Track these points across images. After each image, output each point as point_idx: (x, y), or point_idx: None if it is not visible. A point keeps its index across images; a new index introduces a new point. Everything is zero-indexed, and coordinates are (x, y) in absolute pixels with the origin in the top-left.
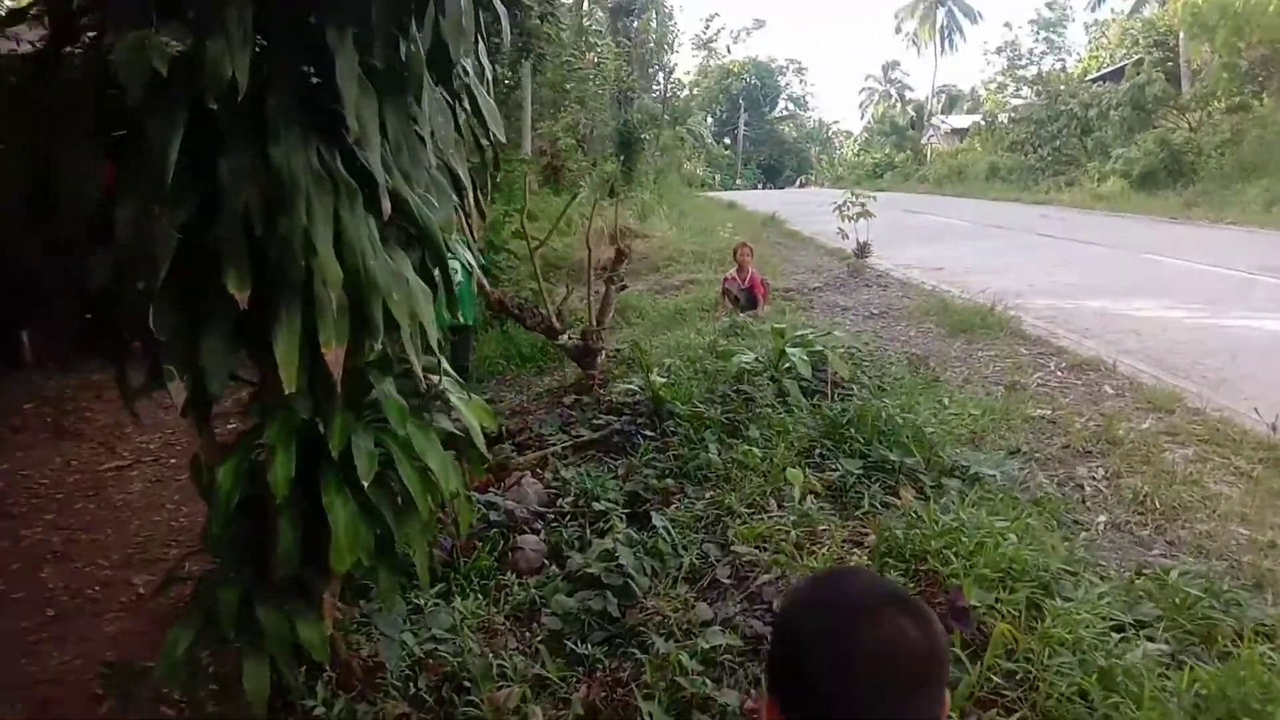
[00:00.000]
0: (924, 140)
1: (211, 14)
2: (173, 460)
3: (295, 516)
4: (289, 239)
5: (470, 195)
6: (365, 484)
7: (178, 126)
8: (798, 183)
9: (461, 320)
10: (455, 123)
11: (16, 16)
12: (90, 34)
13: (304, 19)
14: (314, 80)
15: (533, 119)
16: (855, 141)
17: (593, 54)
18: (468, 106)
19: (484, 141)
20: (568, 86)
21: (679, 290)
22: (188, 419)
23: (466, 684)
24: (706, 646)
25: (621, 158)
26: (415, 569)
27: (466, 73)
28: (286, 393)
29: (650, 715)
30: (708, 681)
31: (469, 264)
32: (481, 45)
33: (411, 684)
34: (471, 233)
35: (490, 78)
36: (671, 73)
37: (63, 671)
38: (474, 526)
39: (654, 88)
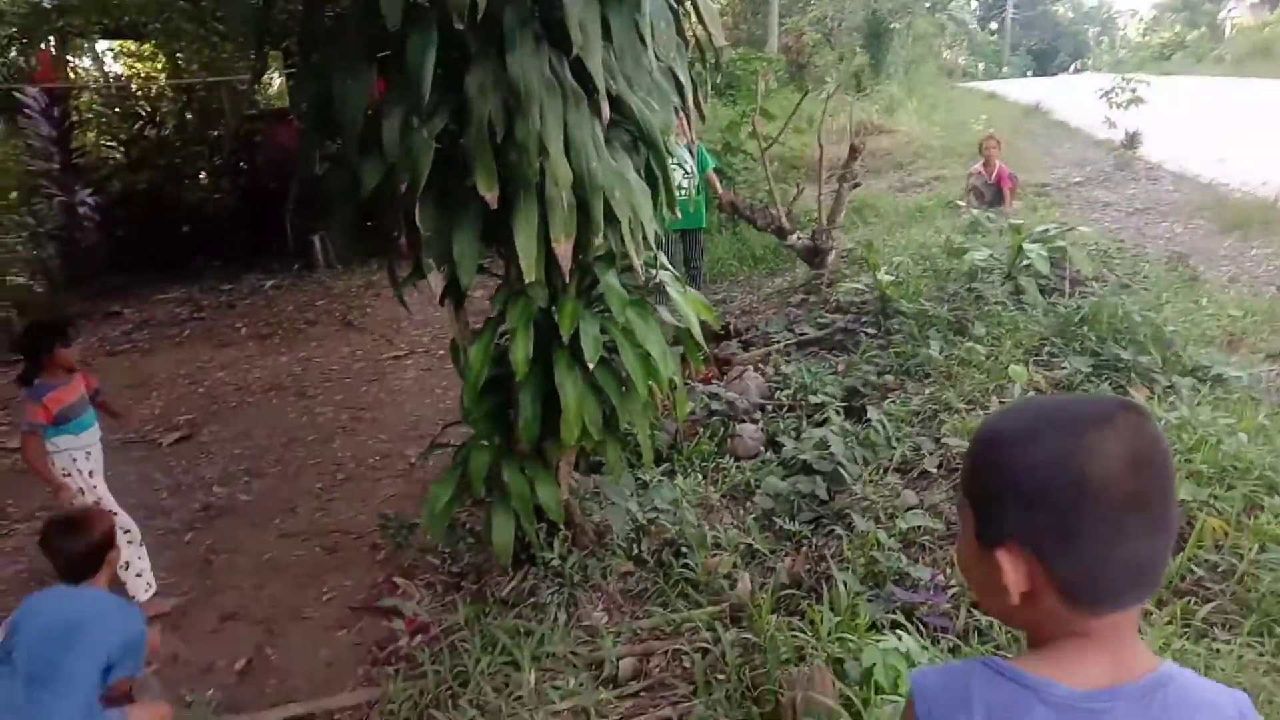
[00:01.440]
0: (1223, 14)
1: None
2: (440, 351)
3: (534, 393)
4: (524, 143)
5: (691, 97)
6: (590, 365)
7: (431, 46)
8: (1071, 69)
9: (689, 221)
10: (678, 26)
11: None
12: None
13: None
14: None
15: (780, 14)
16: (1140, 20)
17: None
18: (690, 9)
19: (710, 44)
20: None
21: (922, 188)
22: (445, 307)
23: (684, 549)
24: (906, 527)
25: (870, 50)
26: (640, 447)
27: None
28: (526, 282)
29: (844, 584)
30: (903, 557)
31: (688, 167)
32: None
33: (635, 546)
34: (691, 133)
35: None
36: None
37: (349, 523)
38: (695, 414)
39: None
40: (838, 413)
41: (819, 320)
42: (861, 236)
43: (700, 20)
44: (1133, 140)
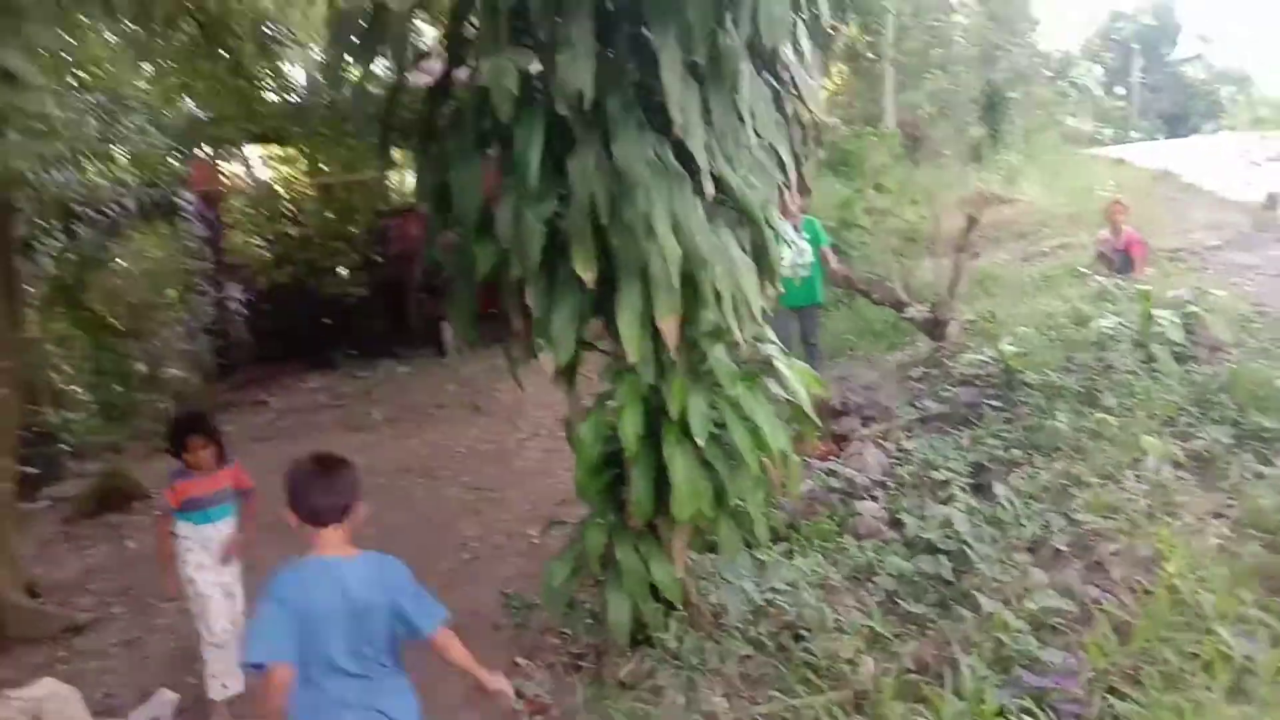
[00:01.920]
0: None
1: (559, 34)
2: (562, 432)
3: (646, 469)
4: (631, 225)
5: (793, 173)
6: (699, 441)
7: (538, 134)
8: (1205, 130)
9: (804, 297)
10: (778, 104)
11: (421, 55)
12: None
13: (634, 26)
14: (644, 79)
15: (896, 90)
16: None
17: (958, 15)
18: (792, 88)
19: (805, 120)
20: (931, 53)
21: (1047, 257)
22: (557, 384)
23: (804, 633)
24: (1035, 608)
25: (987, 120)
26: (754, 524)
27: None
28: (630, 361)
29: (971, 668)
30: (1033, 640)
31: (801, 244)
32: (802, 27)
33: (753, 629)
34: (796, 209)
35: (809, 59)
36: (1037, 25)
37: (474, 603)
38: (814, 492)
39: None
40: (963, 489)
41: (941, 394)
42: (984, 308)
43: (800, 97)
44: (1273, 201)
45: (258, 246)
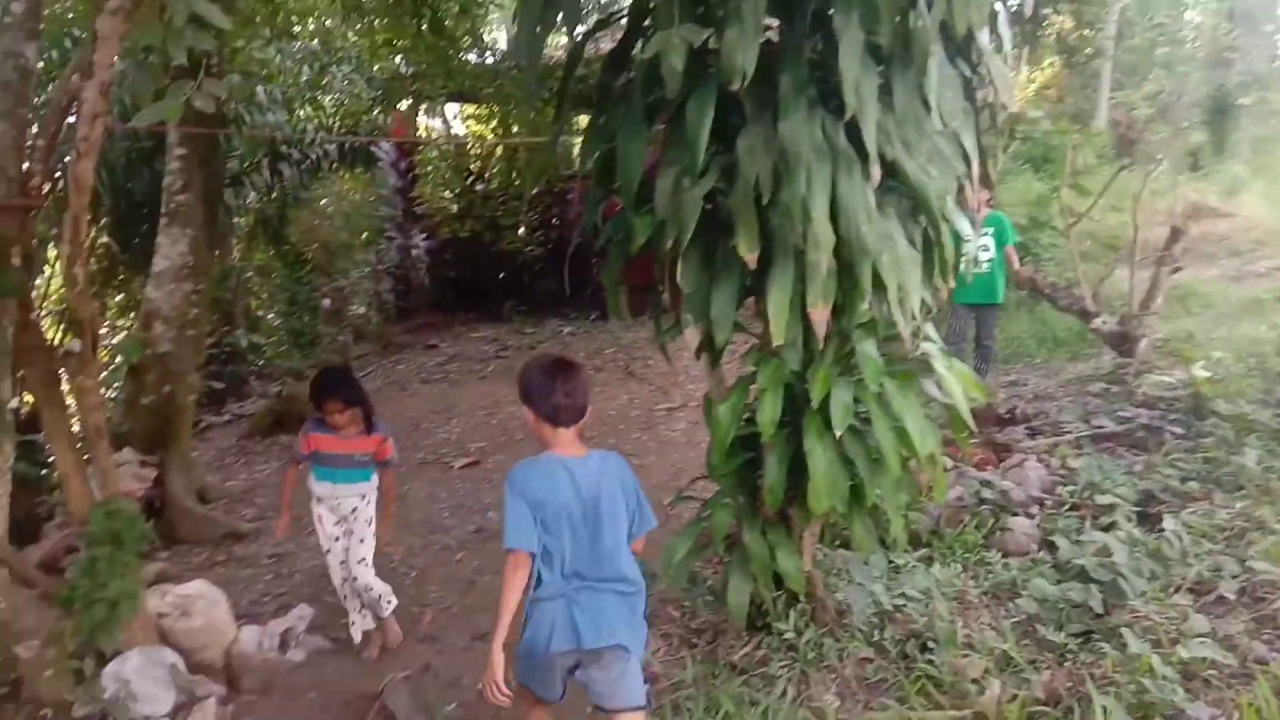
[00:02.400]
0: None
1: (730, 9)
2: None
3: (782, 456)
4: (789, 206)
5: (977, 165)
6: (838, 433)
7: (708, 110)
8: None
9: (982, 295)
10: (968, 92)
11: (602, 24)
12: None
13: (818, 2)
14: (824, 58)
15: (1112, 88)
16: None
17: (1191, 12)
18: (986, 76)
19: (998, 112)
20: (1156, 52)
21: (1262, 278)
22: (700, 361)
23: (930, 644)
24: (1189, 656)
25: (1211, 126)
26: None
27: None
28: (775, 345)
29: (1105, 709)
30: (1179, 690)
31: (984, 240)
32: (1002, 14)
33: (877, 632)
34: (977, 203)
35: (1009, 48)
36: None
37: None
38: (963, 500)
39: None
40: (1128, 518)
41: (1119, 414)
42: (1180, 327)
43: (994, 87)
44: None
45: (444, 199)
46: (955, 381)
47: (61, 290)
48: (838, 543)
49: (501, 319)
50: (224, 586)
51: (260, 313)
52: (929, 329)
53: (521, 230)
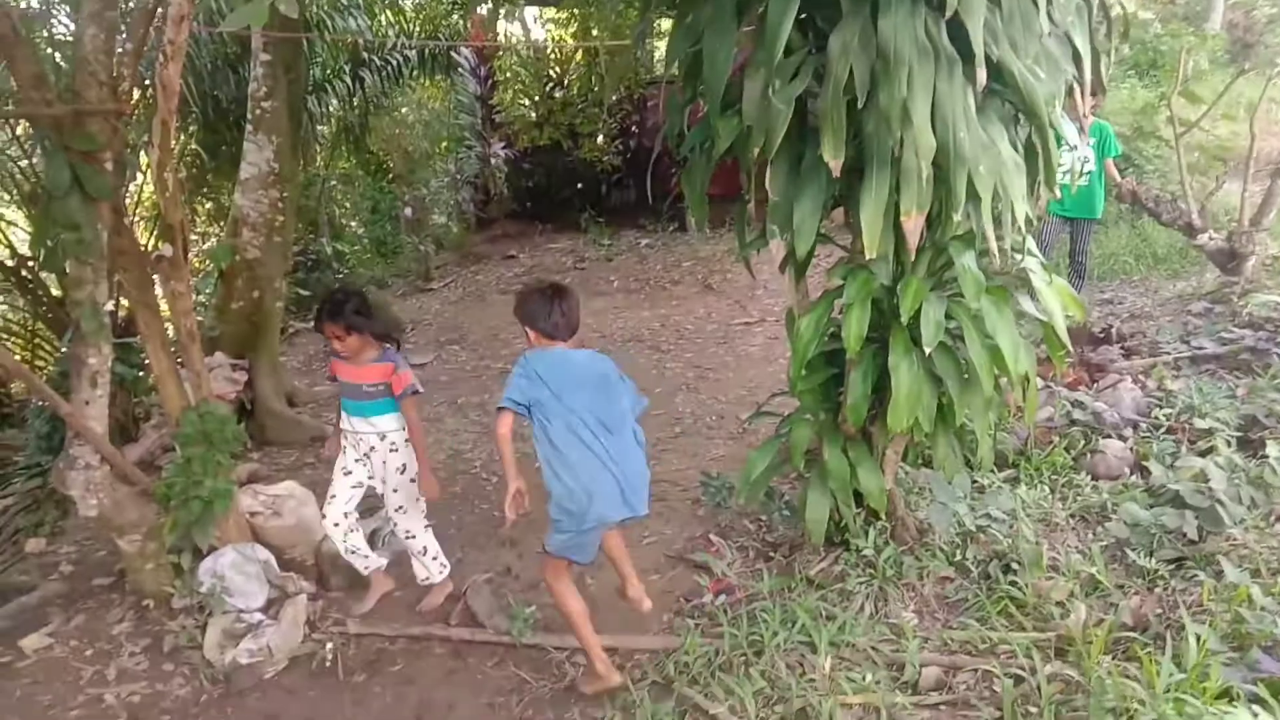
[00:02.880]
0: None
1: None
2: None
3: (867, 373)
4: (887, 110)
5: (1089, 68)
6: (928, 350)
7: (791, 5)
8: None
9: (1080, 208)
10: None
11: None
12: None
13: None
14: None
15: None
16: None
17: None
18: None
19: (1111, 11)
20: None
21: None
22: (784, 274)
23: (1014, 565)
24: None
25: None
26: (978, 446)
27: None
28: (866, 257)
29: (1198, 638)
30: (1279, 621)
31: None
32: None
33: (959, 552)
34: (1087, 109)
35: None
36: None
37: (678, 475)
38: (1053, 421)
39: None
40: (1227, 443)
41: (1222, 335)
42: None
43: None
44: None
45: (523, 106)
46: (1053, 298)
47: (153, 196)
48: (920, 461)
49: (579, 230)
50: (312, 488)
51: (344, 221)
52: (1029, 242)
53: (600, 139)
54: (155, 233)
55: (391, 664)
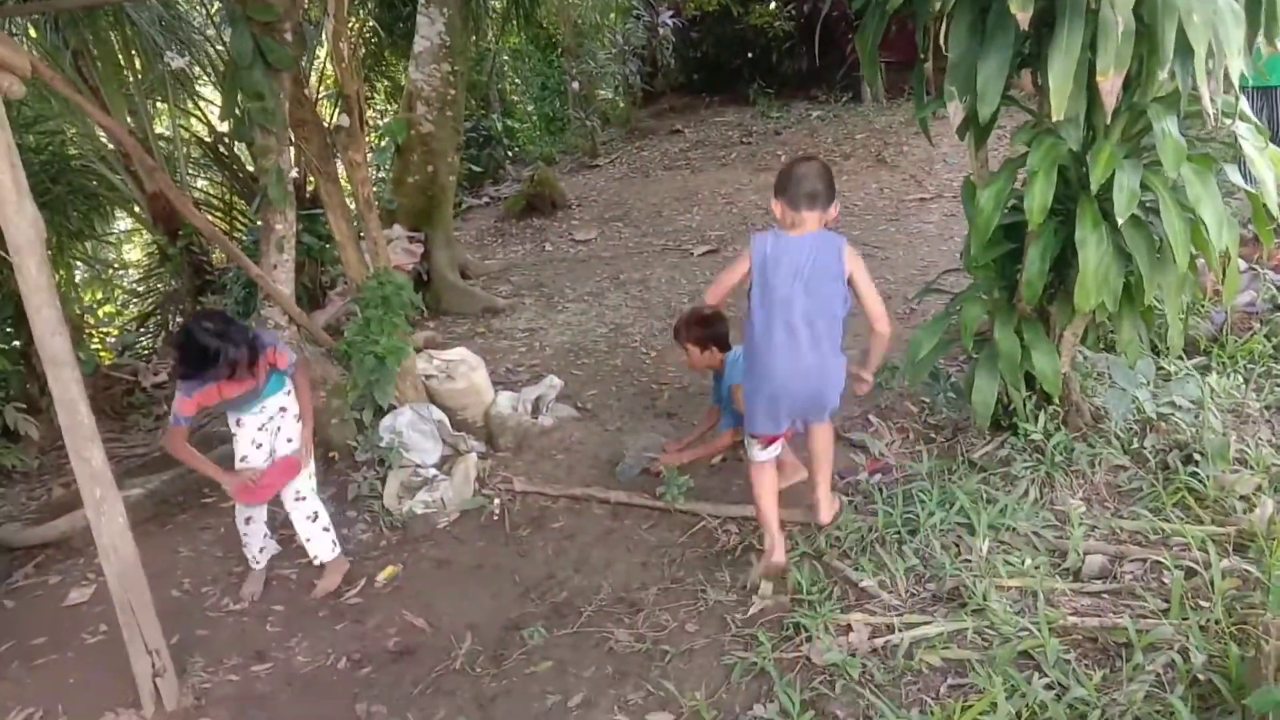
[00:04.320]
0: None
1: None
2: None
3: (1048, 247)
4: None
5: None
6: (1120, 222)
7: None
8: None
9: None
10: None
11: None
12: None
13: None
14: None
15: None
16: None
17: None
18: None
19: None
20: None
21: None
22: (963, 142)
23: (1196, 456)
24: None
25: None
26: (1166, 330)
27: None
28: (1054, 120)
29: None
30: None
31: None
32: None
33: (1136, 441)
34: None
35: None
36: None
37: None
38: (1254, 306)
39: None
40: None
41: None
42: None
43: None
44: None
45: None
46: (1267, 168)
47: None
48: (1101, 345)
49: (747, 102)
50: (483, 355)
51: (514, 98)
52: (1244, 104)
53: (772, 4)
54: (335, 106)
55: (553, 521)
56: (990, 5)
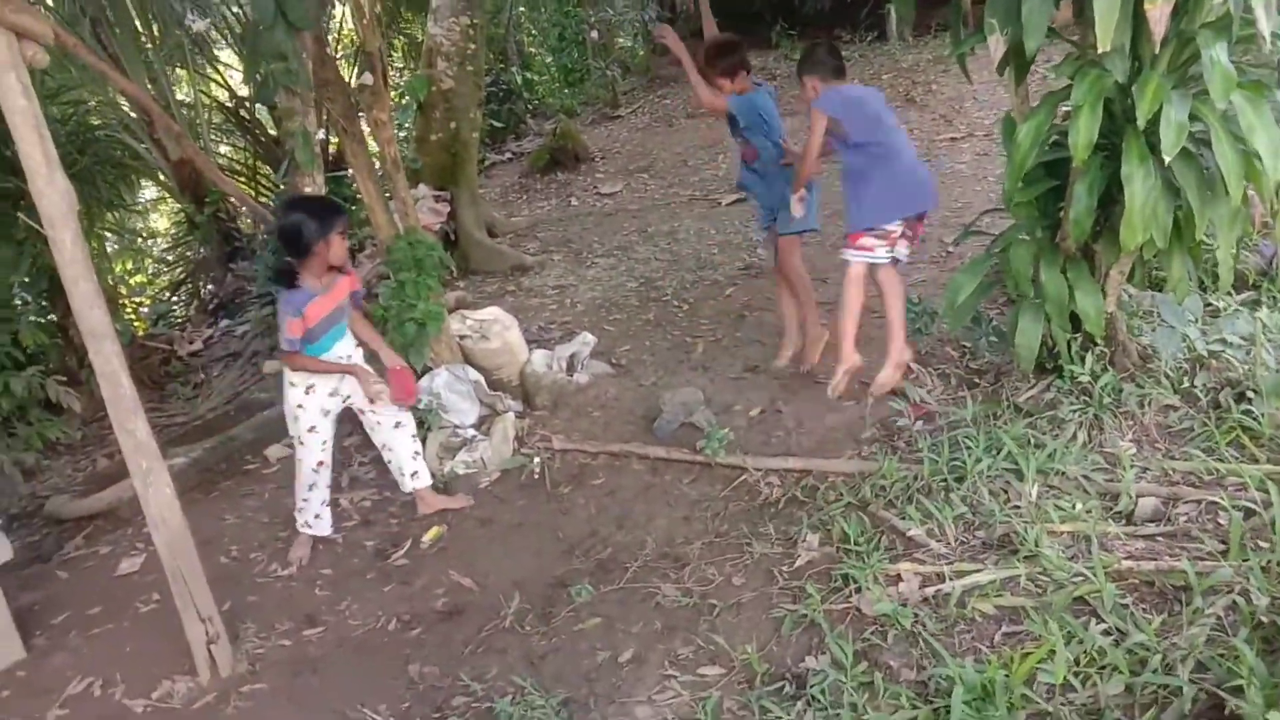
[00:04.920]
0: None
1: None
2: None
3: (1093, 184)
4: None
5: None
6: (1168, 157)
7: None
8: None
9: None
10: None
11: None
12: None
13: None
14: None
15: None
16: None
17: None
18: None
19: None
20: None
21: None
22: (1004, 77)
23: (1249, 394)
24: None
25: None
26: (1217, 265)
27: None
28: (1100, 51)
29: None
30: None
31: None
32: None
33: (1186, 379)
34: None
35: None
36: None
37: (874, 302)
38: None
39: None
40: None
41: None
42: None
43: None
44: None
45: None
46: None
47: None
48: (1147, 283)
49: (769, 45)
50: (514, 314)
51: (531, 50)
52: None
53: None
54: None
55: (594, 478)
56: None
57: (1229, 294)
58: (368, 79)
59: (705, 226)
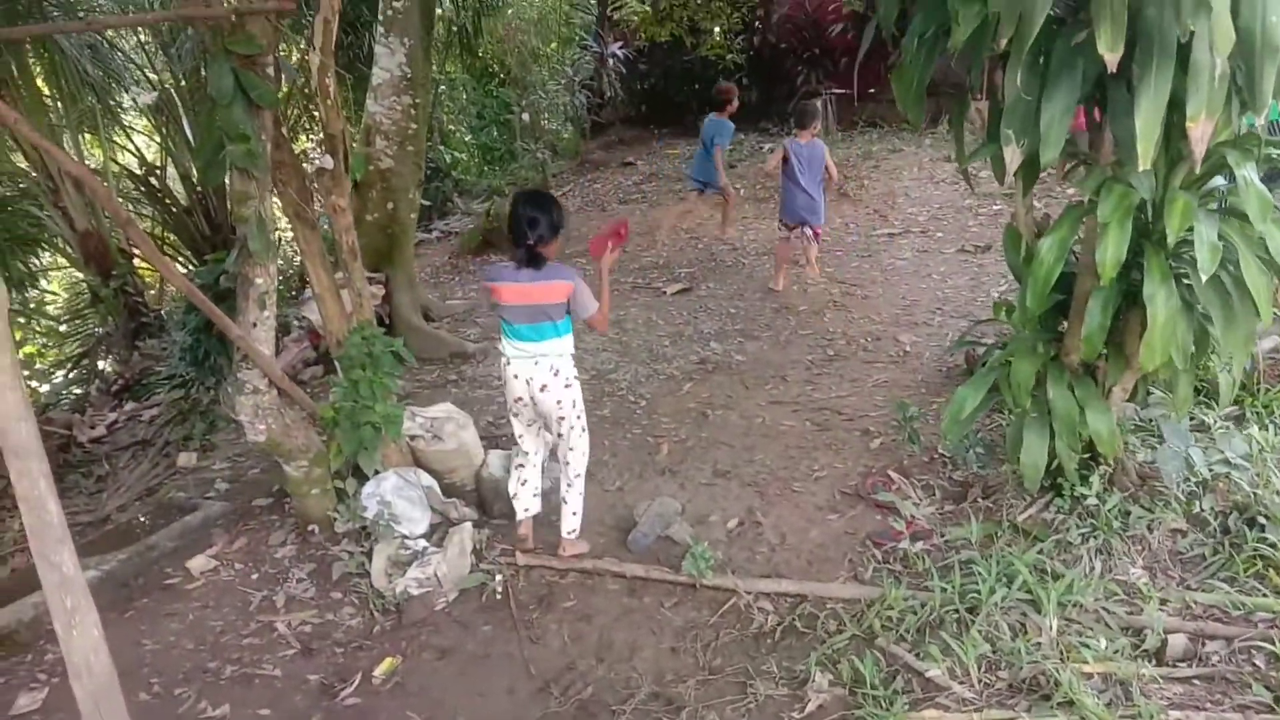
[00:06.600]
0: None
1: None
2: (939, 234)
3: (1109, 300)
4: None
5: None
6: (1204, 277)
7: None
8: None
9: None
10: None
11: None
12: None
13: None
14: None
15: None
16: None
17: None
18: None
19: None
20: None
21: None
22: (1010, 186)
23: (1261, 519)
24: None
25: None
26: (1218, 383)
27: None
28: (1140, 169)
29: None
30: None
31: None
32: None
33: (1195, 503)
34: None
35: None
36: None
37: (839, 402)
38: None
39: None
40: None
41: None
42: None
43: None
44: None
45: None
46: None
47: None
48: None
49: (696, 134)
50: (461, 407)
51: (450, 128)
52: None
53: (720, 35)
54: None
55: (564, 599)
56: (1054, 45)
57: (1210, 408)
58: (328, 162)
59: (653, 316)
